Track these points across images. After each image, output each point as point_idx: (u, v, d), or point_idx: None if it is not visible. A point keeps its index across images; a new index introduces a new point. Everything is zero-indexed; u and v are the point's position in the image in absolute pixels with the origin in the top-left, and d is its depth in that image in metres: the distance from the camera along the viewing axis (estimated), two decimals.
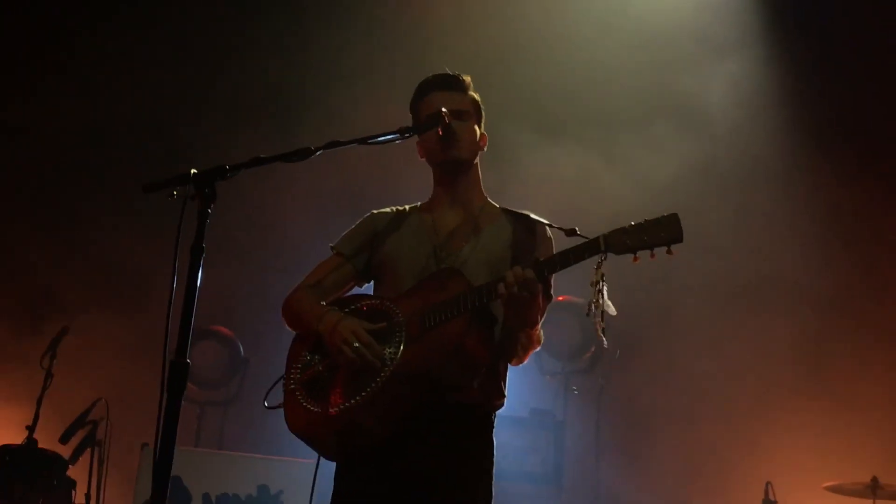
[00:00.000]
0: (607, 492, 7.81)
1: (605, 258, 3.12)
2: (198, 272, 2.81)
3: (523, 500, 7.12)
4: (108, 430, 6.54)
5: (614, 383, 8.11)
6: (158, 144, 8.46)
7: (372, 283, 3.72)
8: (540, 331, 3.48)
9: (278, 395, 3.50)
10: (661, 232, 3.09)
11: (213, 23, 8.68)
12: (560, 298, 7.29)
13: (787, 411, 7.84)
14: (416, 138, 3.62)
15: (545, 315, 3.47)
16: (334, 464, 3.49)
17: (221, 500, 6.76)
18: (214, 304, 7.46)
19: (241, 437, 8.10)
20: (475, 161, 3.69)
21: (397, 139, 3.41)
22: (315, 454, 3.47)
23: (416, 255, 3.55)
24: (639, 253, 3.11)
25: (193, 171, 2.88)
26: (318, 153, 3.17)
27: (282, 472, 6.85)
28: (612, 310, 3.07)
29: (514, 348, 3.46)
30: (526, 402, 7.60)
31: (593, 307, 3.08)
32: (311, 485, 3.62)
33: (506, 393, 3.53)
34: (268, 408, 3.55)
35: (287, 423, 3.42)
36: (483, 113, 3.74)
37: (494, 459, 3.48)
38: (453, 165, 3.62)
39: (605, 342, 3.18)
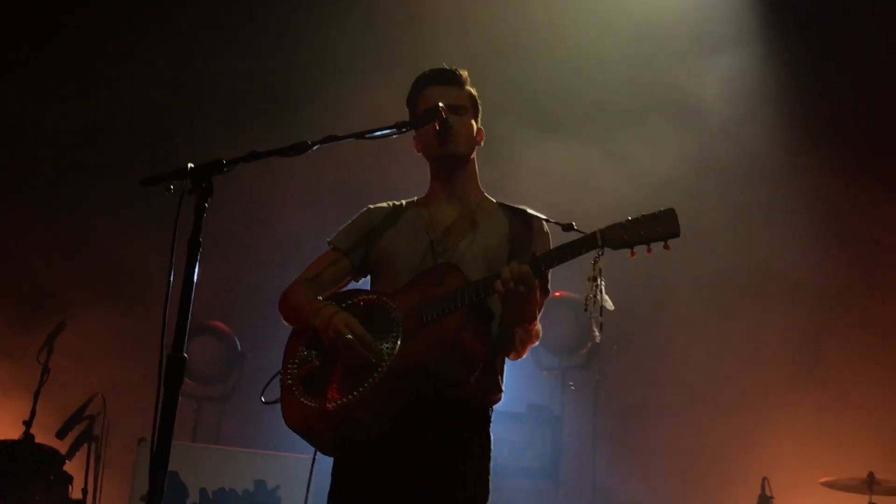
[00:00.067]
0: (604, 487, 7.82)
1: (602, 253, 3.11)
2: (195, 266, 2.80)
3: (520, 496, 7.13)
4: (104, 426, 6.54)
5: (611, 379, 8.13)
6: (155, 140, 8.46)
7: (369, 277, 3.71)
8: (538, 325, 3.48)
9: (275, 391, 3.50)
10: (657, 227, 3.09)
11: (209, 19, 8.67)
12: (557, 294, 7.29)
13: (783, 407, 7.85)
14: (412, 133, 3.61)
15: (542, 310, 3.47)
16: (331, 459, 3.50)
17: (218, 495, 6.76)
18: (211, 299, 7.46)
19: (238, 432, 8.11)
20: (472, 156, 3.68)
21: (394, 134, 3.41)
22: (312, 449, 3.47)
23: (413, 249, 3.54)
24: (636, 248, 3.10)
25: (190, 165, 2.88)
26: (314, 148, 3.17)
27: (279, 467, 6.86)
28: (609, 305, 3.07)
29: (511, 343, 3.46)
30: (523, 397, 7.61)
31: (591, 302, 3.08)
32: (307, 480, 3.63)
33: (503, 387, 3.53)
34: (265, 403, 3.55)
35: (284, 418, 3.42)
36: (480, 108, 3.73)
37: (491, 454, 3.48)
38: (450, 160, 3.61)
39: (598, 337, 3.18)
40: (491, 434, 3.49)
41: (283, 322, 3.62)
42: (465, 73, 3.69)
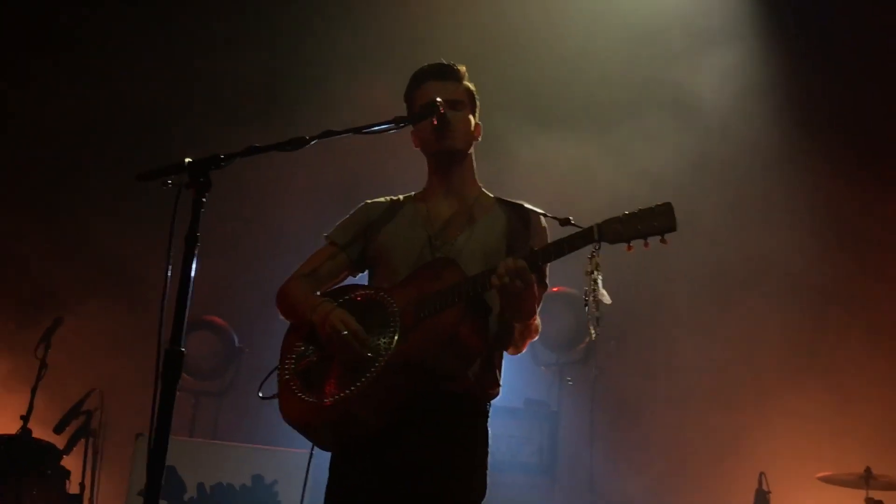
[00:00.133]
0: (601, 482, 7.83)
1: (599, 247, 3.11)
2: (192, 261, 2.80)
3: (517, 490, 7.13)
4: (102, 420, 6.55)
5: (608, 374, 8.13)
6: (152, 136, 8.44)
7: (367, 272, 3.71)
8: (538, 320, 3.48)
9: (273, 386, 3.50)
10: (654, 221, 3.08)
11: (206, 14, 8.66)
12: (555, 289, 7.29)
13: (780, 402, 7.86)
14: (410, 128, 3.61)
15: (540, 305, 3.47)
16: (329, 453, 3.50)
17: (216, 490, 6.77)
18: (209, 294, 7.45)
19: (236, 426, 8.10)
20: (470, 151, 3.68)
21: (392, 129, 3.40)
22: (310, 444, 3.47)
23: (411, 244, 3.54)
24: (633, 242, 3.10)
25: (188, 159, 2.88)
26: (312, 142, 3.16)
27: (276, 462, 6.86)
28: (606, 299, 3.06)
29: (510, 337, 3.47)
30: (520, 392, 7.61)
31: (589, 297, 3.08)
32: (305, 474, 3.63)
33: (501, 382, 3.54)
34: (262, 398, 3.55)
35: (282, 413, 3.42)
36: (478, 103, 3.73)
37: (489, 449, 3.49)
38: (448, 155, 3.61)
39: (594, 334, 3.17)
40: (489, 428, 3.49)
41: (281, 317, 3.63)
42: (462, 69, 3.69)
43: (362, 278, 3.72)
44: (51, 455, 6.49)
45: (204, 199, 2.86)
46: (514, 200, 3.65)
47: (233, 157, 2.96)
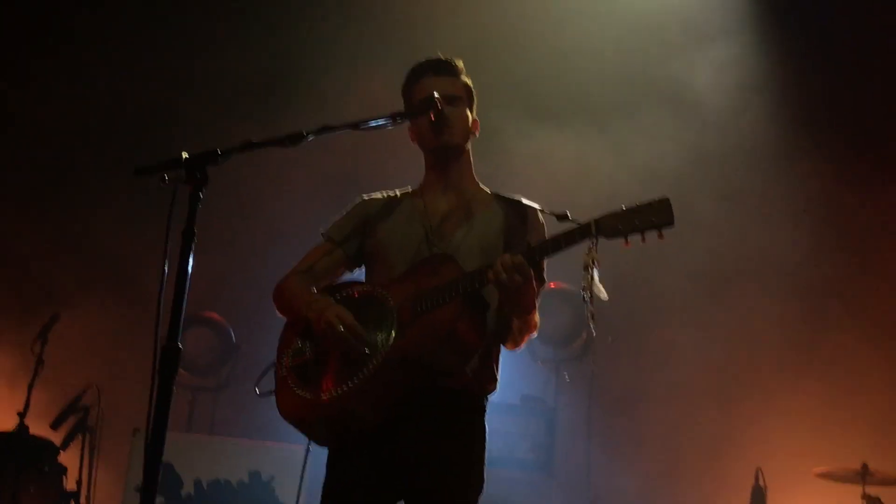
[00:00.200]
0: (598, 478, 7.82)
1: (596, 242, 3.11)
2: (189, 256, 2.79)
3: (514, 486, 7.12)
4: (99, 417, 6.55)
5: (605, 370, 8.12)
6: (149, 132, 8.43)
7: (364, 268, 3.71)
8: (536, 316, 3.48)
9: (270, 382, 3.50)
10: (652, 216, 3.08)
11: (204, 9, 8.64)
12: (552, 285, 7.28)
13: (777, 398, 7.86)
14: (408, 123, 3.61)
15: (539, 300, 3.47)
16: (326, 449, 3.49)
17: (213, 486, 6.77)
18: (206, 290, 7.44)
19: (233, 422, 8.10)
20: (467, 146, 3.67)
21: (389, 124, 3.39)
22: (307, 440, 3.47)
23: (409, 240, 3.53)
24: (630, 237, 3.10)
25: (185, 154, 2.87)
26: (309, 138, 3.15)
27: (273, 458, 6.86)
28: (603, 294, 3.06)
29: (509, 333, 3.47)
30: (517, 388, 7.61)
31: (586, 293, 3.07)
32: (302, 470, 3.63)
33: (498, 377, 3.53)
34: (259, 395, 3.54)
35: (279, 409, 3.42)
36: (475, 98, 3.72)
37: (486, 445, 3.48)
38: (445, 151, 3.61)
39: (594, 331, 3.17)
40: (486, 424, 3.49)
41: (278, 313, 3.62)
42: (460, 64, 3.69)
43: (360, 274, 3.71)
44: (48, 451, 6.49)
45: (201, 195, 2.85)
46: (511, 196, 3.65)
47: (230, 153, 2.95)
